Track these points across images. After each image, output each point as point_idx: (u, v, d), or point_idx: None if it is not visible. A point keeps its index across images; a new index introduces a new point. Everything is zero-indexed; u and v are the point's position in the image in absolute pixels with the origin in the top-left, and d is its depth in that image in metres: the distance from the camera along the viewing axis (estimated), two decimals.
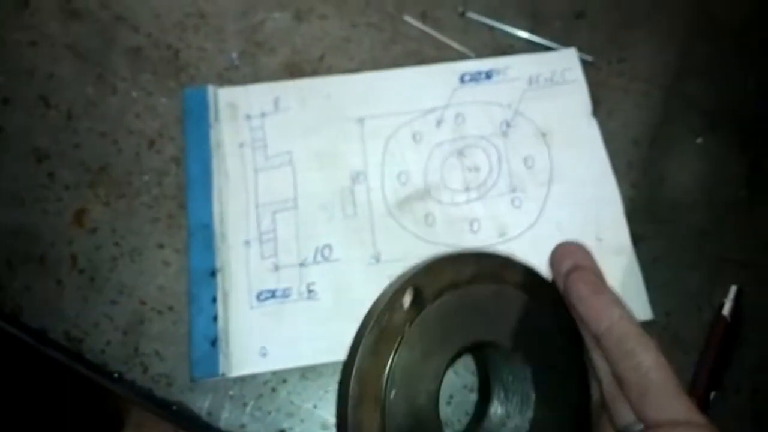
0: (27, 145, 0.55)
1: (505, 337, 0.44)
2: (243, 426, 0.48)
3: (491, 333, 0.44)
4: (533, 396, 0.43)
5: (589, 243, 0.53)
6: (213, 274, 0.51)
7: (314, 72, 0.59)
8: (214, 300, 0.50)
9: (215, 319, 0.50)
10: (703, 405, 0.50)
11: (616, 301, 0.39)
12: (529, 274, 0.46)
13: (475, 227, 0.54)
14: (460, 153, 0.57)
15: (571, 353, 0.45)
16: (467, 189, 0.56)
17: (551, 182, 0.56)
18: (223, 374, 0.48)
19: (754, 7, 0.65)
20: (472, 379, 0.50)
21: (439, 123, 0.58)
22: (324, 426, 0.48)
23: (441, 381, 0.42)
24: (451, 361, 0.43)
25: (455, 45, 0.61)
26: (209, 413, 0.48)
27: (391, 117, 0.57)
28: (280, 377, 0.49)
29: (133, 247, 0.53)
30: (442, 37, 0.61)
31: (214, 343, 0.49)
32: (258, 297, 0.51)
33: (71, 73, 0.58)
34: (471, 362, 0.50)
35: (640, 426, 0.36)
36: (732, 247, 0.56)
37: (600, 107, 0.59)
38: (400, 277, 0.43)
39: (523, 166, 0.57)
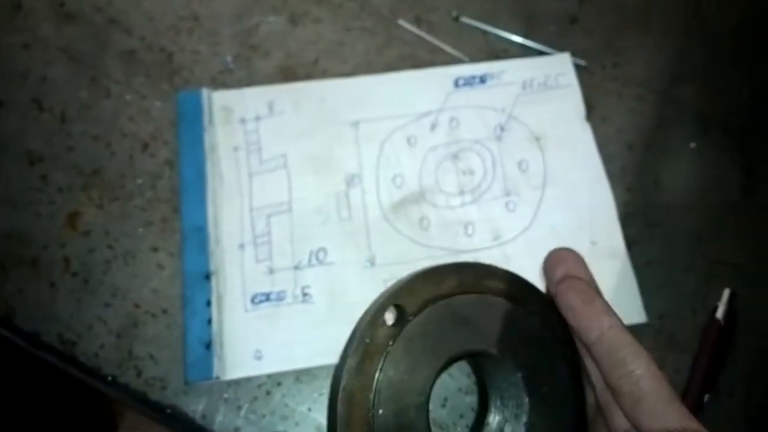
0: (20, 147, 0.55)
1: (492, 345, 0.44)
2: (237, 429, 0.48)
3: (477, 342, 0.44)
4: (527, 401, 0.43)
5: (583, 247, 0.54)
6: (207, 277, 0.51)
7: (308, 76, 0.59)
8: (209, 303, 0.50)
9: (209, 322, 0.49)
10: (696, 408, 0.50)
11: (607, 310, 0.39)
12: (511, 280, 0.46)
13: (470, 230, 0.54)
14: (455, 157, 0.57)
15: (562, 355, 0.45)
16: (462, 192, 0.56)
17: (545, 186, 0.56)
18: (217, 377, 0.48)
19: (748, 13, 0.65)
20: (467, 382, 0.50)
21: (433, 127, 0.58)
22: (319, 429, 0.48)
23: (429, 394, 0.42)
24: (439, 374, 0.43)
25: (449, 49, 0.61)
26: (203, 416, 0.48)
27: (385, 121, 0.57)
28: (275, 380, 0.49)
29: (127, 250, 0.53)
30: (436, 42, 0.61)
31: (208, 346, 0.49)
32: (252, 300, 0.51)
33: (65, 76, 0.58)
34: (465, 366, 0.50)
35: None
36: (725, 251, 0.56)
37: (594, 112, 0.60)
38: (381, 296, 0.44)
39: (517, 169, 0.57)
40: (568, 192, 0.56)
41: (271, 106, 0.57)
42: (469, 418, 0.49)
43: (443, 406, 0.49)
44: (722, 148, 0.60)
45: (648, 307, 0.53)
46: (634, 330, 0.39)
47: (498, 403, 0.45)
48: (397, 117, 0.58)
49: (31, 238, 0.52)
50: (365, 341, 0.42)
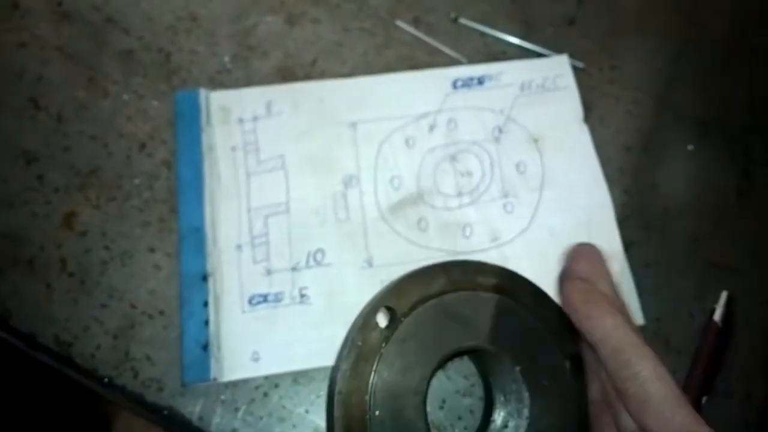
0: (16, 147, 0.55)
1: (487, 341, 0.44)
2: (235, 431, 0.48)
3: (471, 339, 0.45)
4: (527, 395, 0.44)
5: None
6: (204, 278, 0.51)
7: (307, 76, 0.59)
8: (206, 304, 0.50)
9: (207, 323, 0.49)
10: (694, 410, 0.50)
11: (610, 309, 0.39)
12: (502, 274, 0.47)
13: (468, 232, 0.54)
14: (453, 158, 0.57)
15: (559, 347, 0.45)
16: (460, 194, 0.56)
17: (543, 188, 0.56)
18: (214, 379, 0.48)
19: (744, 17, 0.66)
20: (464, 384, 0.50)
21: (431, 128, 0.58)
22: (316, 431, 0.48)
23: (426, 393, 0.43)
24: (434, 372, 0.44)
25: (448, 50, 0.61)
26: (200, 418, 0.48)
27: (383, 122, 0.57)
28: (272, 382, 0.49)
29: (124, 251, 0.52)
30: (434, 43, 0.61)
31: (205, 347, 0.49)
32: (250, 301, 0.51)
33: (61, 76, 0.58)
34: (463, 367, 0.50)
35: None
36: (723, 253, 0.56)
37: (591, 114, 0.60)
38: (371, 300, 0.45)
39: (515, 171, 0.57)
40: (566, 194, 0.56)
41: (269, 107, 0.57)
42: (468, 419, 0.49)
43: (441, 408, 0.49)
44: (719, 151, 0.60)
45: (645, 309, 0.53)
46: None
47: (502, 399, 0.46)
48: (396, 118, 0.58)
49: (27, 239, 0.52)
50: (357, 344, 0.43)
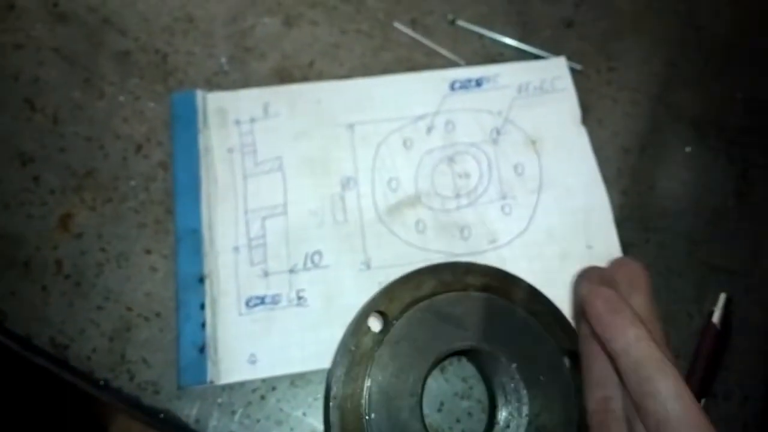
0: (12, 148, 0.55)
1: (480, 340, 0.45)
2: None
3: (465, 339, 0.45)
4: (525, 392, 0.44)
5: (579, 251, 0.54)
6: (201, 280, 0.50)
7: (304, 78, 0.59)
8: (203, 306, 0.50)
9: (203, 325, 0.49)
10: None
11: (634, 321, 0.38)
12: (492, 273, 0.48)
13: (466, 234, 0.54)
14: (451, 160, 0.57)
15: (554, 342, 0.46)
16: (458, 196, 0.55)
17: (541, 189, 0.56)
18: (211, 381, 0.48)
19: (741, 18, 0.66)
20: (462, 386, 0.50)
21: (429, 130, 0.57)
22: None
23: (421, 394, 0.43)
24: (429, 373, 0.44)
25: (445, 52, 0.61)
26: (197, 421, 0.47)
27: (381, 123, 0.57)
28: (270, 384, 0.49)
29: (120, 253, 0.52)
30: (432, 45, 0.61)
31: (202, 350, 0.48)
32: (247, 303, 0.51)
33: (58, 77, 0.57)
34: (461, 369, 0.50)
35: None
36: (721, 255, 0.56)
37: (589, 115, 0.59)
38: (363, 305, 0.46)
39: (513, 173, 0.57)
40: (564, 195, 0.56)
41: (266, 108, 0.57)
42: (466, 422, 0.49)
43: (439, 410, 0.49)
44: (717, 153, 0.60)
45: None
46: None
47: (503, 399, 0.46)
48: (393, 120, 0.57)
49: (23, 240, 0.52)
50: (351, 349, 0.44)
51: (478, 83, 0.60)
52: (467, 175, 0.56)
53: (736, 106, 0.62)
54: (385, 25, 0.62)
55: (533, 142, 0.58)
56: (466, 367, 0.50)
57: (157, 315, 0.50)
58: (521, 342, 0.45)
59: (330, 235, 0.53)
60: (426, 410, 0.44)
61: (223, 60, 0.59)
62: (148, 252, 0.52)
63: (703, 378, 0.50)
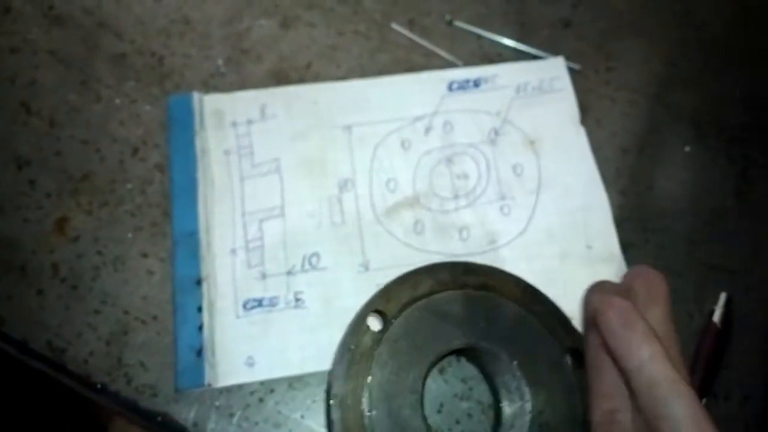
0: (8, 152, 0.54)
1: (480, 338, 0.45)
2: None
3: (464, 337, 0.46)
4: (527, 389, 0.44)
5: (579, 251, 0.54)
6: (198, 282, 0.50)
7: (301, 79, 0.59)
8: (200, 309, 0.49)
9: (201, 328, 0.49)
10: None
11: (648, 337, 0.37)
12: (490, 273, 0.48)
13: (465, 235, 0.54)
14: (449, 160, 0.56)
15: (554, 339, 0.46)
16: (456, 196, 0.55)
17: (540, 190, 0.56)
18: (209, 385, 0.47)
19: (740, 17, 0.65)
20: (462, 387, 0.49)
21: (427, 130, 0.57)
22: None
23: (422, 391, 0.44)
24: (429, 371, 0.45)
25: (443, 53, 0.61)
26: (195, 424, 0.47)
27: (379, 124, 0.57)
28: (268, 387, 0.49)
29: (116, 256, 0.52)
30: (429, 45, 0.61)
31: (199, 353, 0.48)
32: (244, 306, 0.50)
33: (54, 80, 0.57)
34: (461, 370, 0.50)
35: None
36: (721, 255, 0.55)
37: (588, 115, 0.59)
38: (362, 306, 0.47)
39: (511, 173, 0.56)
40: (563, 196, 0.56)
41: (263, 110, 0.57)
42: (465, 423, 0.48)
43: (439, 411, 0.49)
44: (716, 152, 0.59)
45: None
46: None
47: (507, 397, 0.46)
48: (391, 121, 0.57)
49: (19, 244, 0.51)
50: (350, 348, 0.44)
51: (476, 84, 0.59)
52: (466, 176, 0.56)
53: (735, 105, 0.61)
54: (382, 26, 0.62)
55: (532, 143, 0.58)
56: (466, 368, 0.50)
57: (154, 318, 0.50)
58: (521, 340, 0.45)
59: (328, 237, 0.53)
60: (426, 411, 0.44)
61: (220, 62, 0.59)
62: (145, 255, 0.52)
63: (703, 378, 0.50)
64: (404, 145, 0.56)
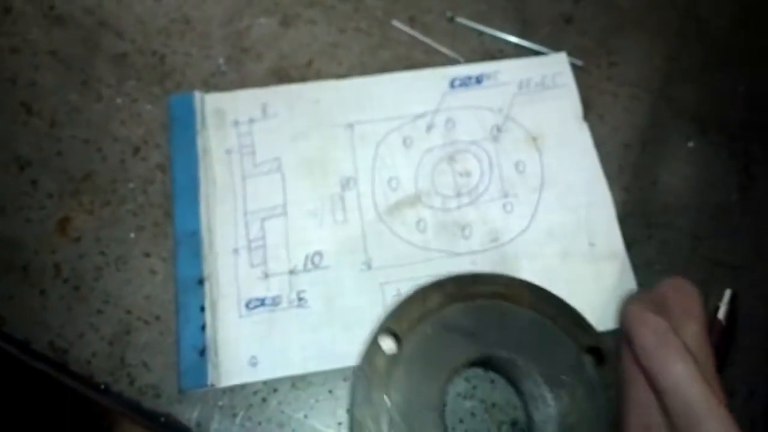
0: (9, 152, 0.54)
1: (496, 348, 0.45)
2: None
3: (479, 348, 0.45)
4: (549, 395, 0.44)
5: (582, 248, 0.54)
6: (201, 282, 0.50)
7: (302, 78, 0.59)
8: (203, 309, 0.49)
9: (203, 328, 0.49)
10: None
11: (684, 357, 0.37)
12: (497, 281, 0.48)
13: (467, 233, 0.54)
14: (451, 158, 0.56)
15: (574, 340, 0.45)
16: (459, 194, 0.55)
17: (543, 187, 0.56)
18: (212, 385, 0.47)
19: (743, 13, 0.65)
20: (465, 386, 0.49)
21: (429, 128, 0.57)
22: None
23: (443, 408, 0.44)
24: (447, 385, 0.45)
25: (444, 50, 0.60)
26: (198, 424, 0.47)
27: (380, 122, 0.57)
28: (271, 387, 0.48)
29: (119, 256, 0.52)
30: (431, 42, 0.61)
31: (202, 352, 0.48)
32: (247, 305, 0.50)
33: (54, 80, 0.57)
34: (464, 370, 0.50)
35: None
36: (725, 251, 0.55)
37: (590, 111, 0.59)
38: (373, 329, 0.47)
39: (514, 170, 0.56)
40: (566, 192, 0.56)
41: (264, 109, 0.56)
42: (469, 422, 0.48)
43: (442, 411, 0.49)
44: (719, 148, 0.59)
45: None
46: None
47: (532, 405, 0.46)
48: (393, 118, 0.57)
49: (21, 245, 0.51)
50: (366, 372, 0.44)
51: (478, 80, 0.59)
52: (468, 174, 0.56)
53: (738, 101, 0.61)
54: (383, 23, 0.62)
55: (534, 139, 0.57)
56: (469, 369, 0.50)
57: (157, 318, 0.50)
58: (538, 345, 0.45)
59: (330, 236, 0.53)
60: None
61: (221, 61, 0.59)
62: (147, 255, 0.52)
63: None
64: (406, 142, 0.56)
